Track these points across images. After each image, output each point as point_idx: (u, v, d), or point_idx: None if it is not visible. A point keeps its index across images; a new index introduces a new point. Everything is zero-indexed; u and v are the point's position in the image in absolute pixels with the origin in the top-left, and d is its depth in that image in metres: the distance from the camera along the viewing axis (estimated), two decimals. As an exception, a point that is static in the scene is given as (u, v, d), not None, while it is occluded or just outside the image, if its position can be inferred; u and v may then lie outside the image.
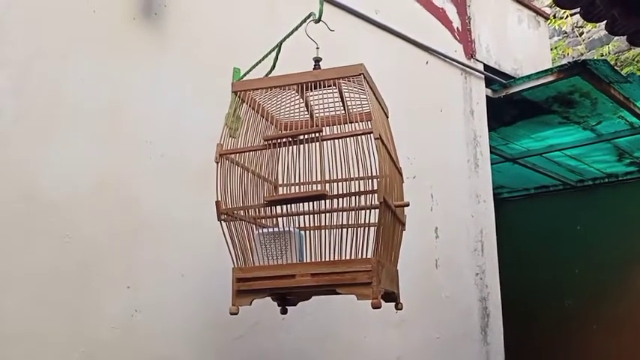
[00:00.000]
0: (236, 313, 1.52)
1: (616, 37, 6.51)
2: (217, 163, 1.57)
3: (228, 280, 1.55)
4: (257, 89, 1.66)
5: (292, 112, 1.81)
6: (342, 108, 1.77)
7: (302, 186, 1.74)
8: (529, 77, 3.70)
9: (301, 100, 1.76)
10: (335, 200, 1.60)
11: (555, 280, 5.41)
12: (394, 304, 1.71)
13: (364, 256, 1.48)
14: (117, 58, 2.05)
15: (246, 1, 2.50)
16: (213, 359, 2.09)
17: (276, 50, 1.97)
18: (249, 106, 1.68)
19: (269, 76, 1.83)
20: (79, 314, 1.82)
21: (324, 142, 1.58)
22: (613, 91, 3.61)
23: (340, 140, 1.59)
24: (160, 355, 1.96)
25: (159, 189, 2.07)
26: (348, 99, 1.74)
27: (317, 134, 1.56)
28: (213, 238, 1.74)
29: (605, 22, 2.38)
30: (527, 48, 4.23)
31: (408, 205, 1.66)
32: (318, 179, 1.64)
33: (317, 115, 1.81)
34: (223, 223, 1.56)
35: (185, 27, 2.25)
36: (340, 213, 1.59)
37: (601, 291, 5.17)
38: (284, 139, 1.60)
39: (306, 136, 1.58)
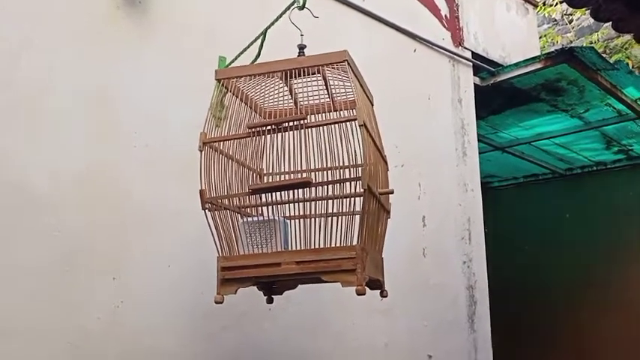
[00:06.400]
0: (221, 302, 1.51)
1: (605, 25, 6.52)
2: (201, 151, 1.57)
3: (215, 270, 1.55)
4: (240, 77, 1.65)
5: (277, 99, 1.80)
6: (326, 95, 1.76)
7: (287, 174, 1.73)
8: (517, 65, 3.69)
9: (286, 88, 1.75)
10: (320, 188, 1.59)
11: (543, 268, 5.45)
12: (379, 291, 1.71)
13: (349, 244, 1.48)
14: (102, 47, 2.02)
15: (231, -12, 2.47)
16: (200, 349, 2.09)
17: (261, 38, 1.96)
18: (233, 94, 1.67)
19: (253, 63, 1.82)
20: (65, 305, 1.81)
21: (309, 130, 1.58)
22: (600, 79, 3.62)
23: (325, 128, 1.58)
24: (147, 345, 1.96)
25: (144, 179, 2.05)
26: (332, 86, 1.73)
27: (301, 122, 1.55)
28: (199, 227, 1.73)
29: (590, 7, 2.39)
30: (516, 35, 4.22)
31: (392, 192, 1.66)
32: (303, 167, 1.64)
33: (301, 102, 1.80)
34: (208, 212, 1.55)
35: (170, 15, 2.23)
36: (325, 201, 1.59)
37: (589, 278, 5.21)
38: (268, 127, 1.59)
39: (290, 124, 1.57)
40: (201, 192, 1.54)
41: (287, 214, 1.69)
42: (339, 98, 1.78)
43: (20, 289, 1.72)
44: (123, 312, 1.92)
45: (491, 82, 3.79)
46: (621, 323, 5.02)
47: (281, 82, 1.71)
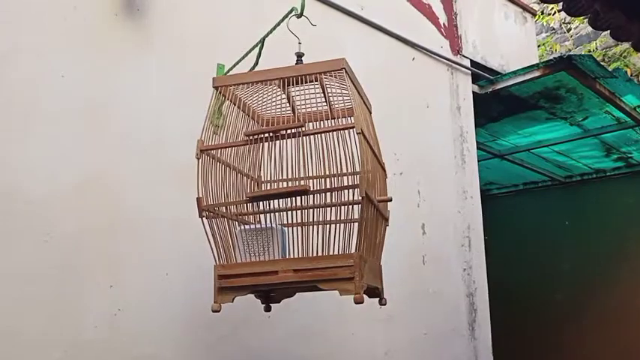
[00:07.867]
0: (218, 311, 1.50)
1: (603, 33, 6.54)
2: (198, 159, 1.56)
3: (212, 278, 1.54)
4: (238, 84, 1.65)
5: (274, 107, 1.79)
6: (324, 103, 1.76)
7: (285, 182, 1.73)
8: (515, 73, 3.70)
9: (283, 95, 1.75)
10: (317, 195, 1.59)
11: (544, 275, 5.43)
12: (378, 299, 1.70)
13: (347, 251, 1.48)
14: (98, 54, 2.02)
15: (229, -4, 2.48)
16: (199, 358, 2.08)
17: (259, 46, 1.96)
18: (231, 101, 1.67)
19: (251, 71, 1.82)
20: (62, 314, 1.80)
21: (307, 137, 1.57)
22: (599, 87, 3.63)
23: (322, 135, 1.58)
24: (144, 354, 1.95)
25: (141, 186, 2.05)
26: (330, 94, 1.73)
27: (299, 129, 1.55)
28: (197, 235, 1.72)
29: (588, 16, 2.39)
30: (514, 44, 4.23)
31: (390, 200, 1.65)
32: (301, 174, 1.63)
33: (299, 110, 1.80)
34: (205, 220, 1.55)
35: (168, 23, 2.23)
36: (322, 208, 1.58)
37: (590, 285, 5.20)
38: (265, 135, 1.59)
39: (287, 132, 1.57)
40: (198, 200, 1.53)
41: (285, 222, 1.68)
42: (336, 106, 1.78)
43: (15, 297, 1.71)
44: (120, 320, 1.91)
45: (490, 89, 3.79)
46: (623, 329, 5.00)
47: (279, 89, 1.71)
